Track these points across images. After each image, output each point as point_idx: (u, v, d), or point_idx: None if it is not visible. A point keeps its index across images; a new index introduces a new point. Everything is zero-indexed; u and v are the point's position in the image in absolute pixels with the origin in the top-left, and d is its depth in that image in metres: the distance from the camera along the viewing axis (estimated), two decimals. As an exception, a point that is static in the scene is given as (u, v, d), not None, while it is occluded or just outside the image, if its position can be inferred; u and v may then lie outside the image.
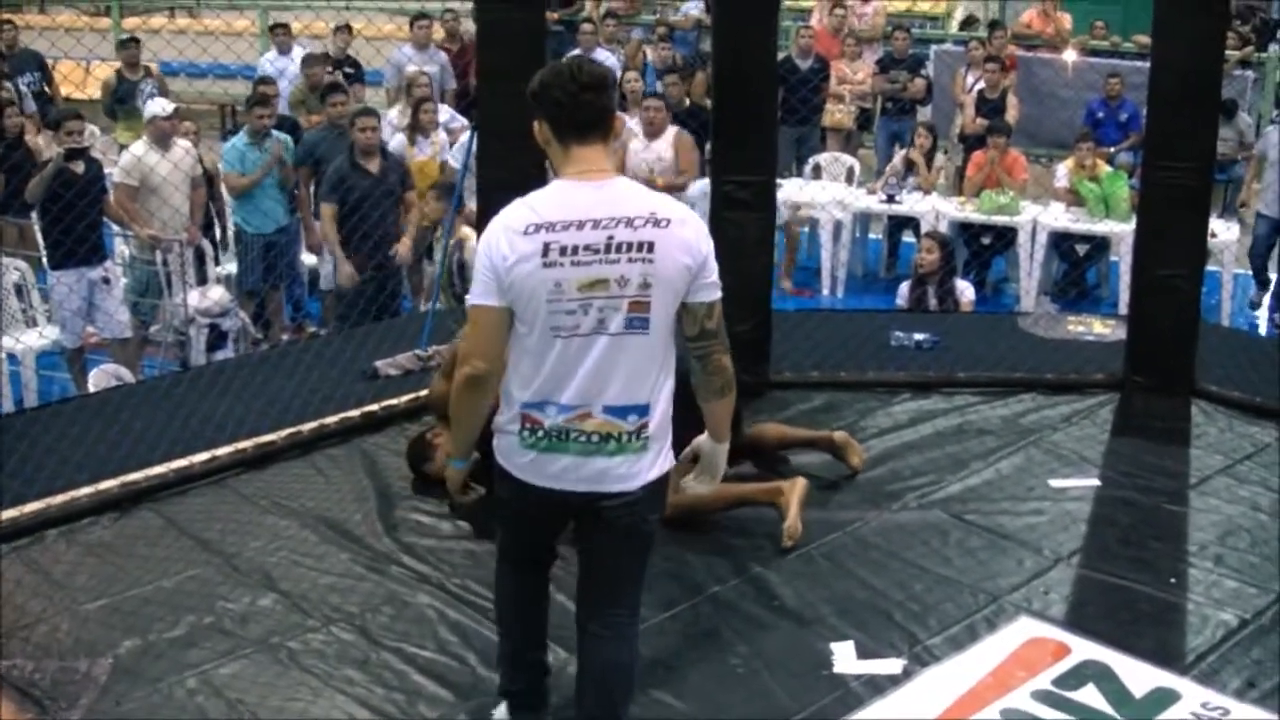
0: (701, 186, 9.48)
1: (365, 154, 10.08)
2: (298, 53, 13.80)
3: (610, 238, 3.98)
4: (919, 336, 8.22)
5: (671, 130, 10.63)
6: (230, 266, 11.01)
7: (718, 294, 4.21)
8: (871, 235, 13.62)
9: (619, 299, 4.01)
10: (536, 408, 4.07)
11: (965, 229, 12.30)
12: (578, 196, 4.04)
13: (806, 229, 13.29)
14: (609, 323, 4.02)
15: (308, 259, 11.26)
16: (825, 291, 12.60)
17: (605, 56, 14.14)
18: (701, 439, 4.54)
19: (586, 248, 3.97)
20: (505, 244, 4.00)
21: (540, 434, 4.08)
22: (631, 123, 10.65)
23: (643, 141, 10.39)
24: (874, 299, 12.01)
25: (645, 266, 4.00)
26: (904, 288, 10.41)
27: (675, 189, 10.33)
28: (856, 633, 5.20)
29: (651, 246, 4.00)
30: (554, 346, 4.02)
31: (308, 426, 6.90)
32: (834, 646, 5.11)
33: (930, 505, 6.26)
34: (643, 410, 4.12)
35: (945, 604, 5.42)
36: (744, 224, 7.38)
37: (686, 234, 4.08)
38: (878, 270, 13.36)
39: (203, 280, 10.45)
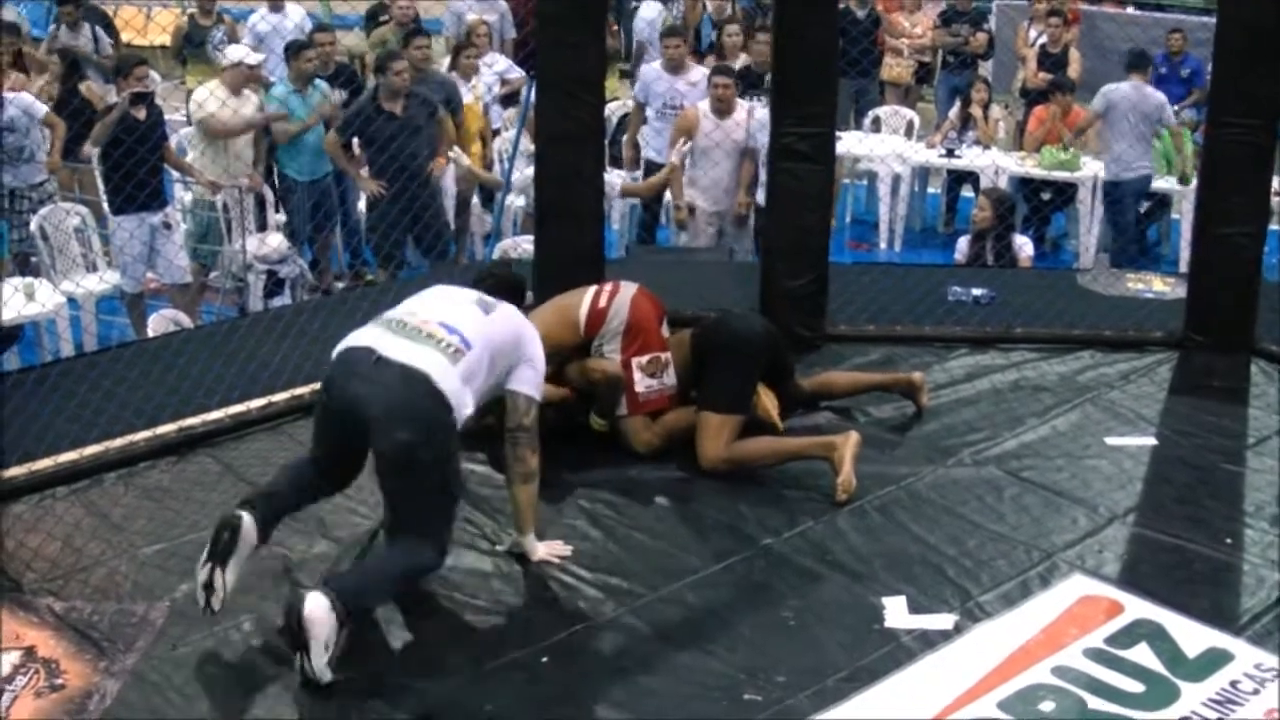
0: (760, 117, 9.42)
1: (389, 97, 10.04)
2: (292, 9, 13.66)
3: None
4: (976, 292, 8.18)
5: (744, 107, 10.33)
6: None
7: None
8: (930, 189, 13.57)
9: None
10: None
11: (1025, 184, 12.23)
12: None
13: (865, 182, 13.24)
14: None
15: (365, 206, 11.29)
16: (883, 245, 12.58)
17: (655, 13, 14.06)
18: None
19: None
20: None
21: None
22: (702, 104, 10.37)
23: (713, 120, 10.11)
24: (932, 254, 11.97)
25: None
26: (962, 242, 10.36)
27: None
28: (908, 587, 5.20)
29: None
30: None
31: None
32: (886, 601, 5.11)
33: (985, 461, 6.24)
34: None
35: (998, 560, 5.41)
36: (802, 176, 7.35)
37: None
38: (936, 225, 13.31)
39: (263, 227, 10.51)
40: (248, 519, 4.85)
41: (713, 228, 10.15)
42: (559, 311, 6.28)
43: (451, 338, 4.90)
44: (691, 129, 9.95)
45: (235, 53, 10.61)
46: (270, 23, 13.10)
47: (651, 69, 11.09)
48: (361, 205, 11.20)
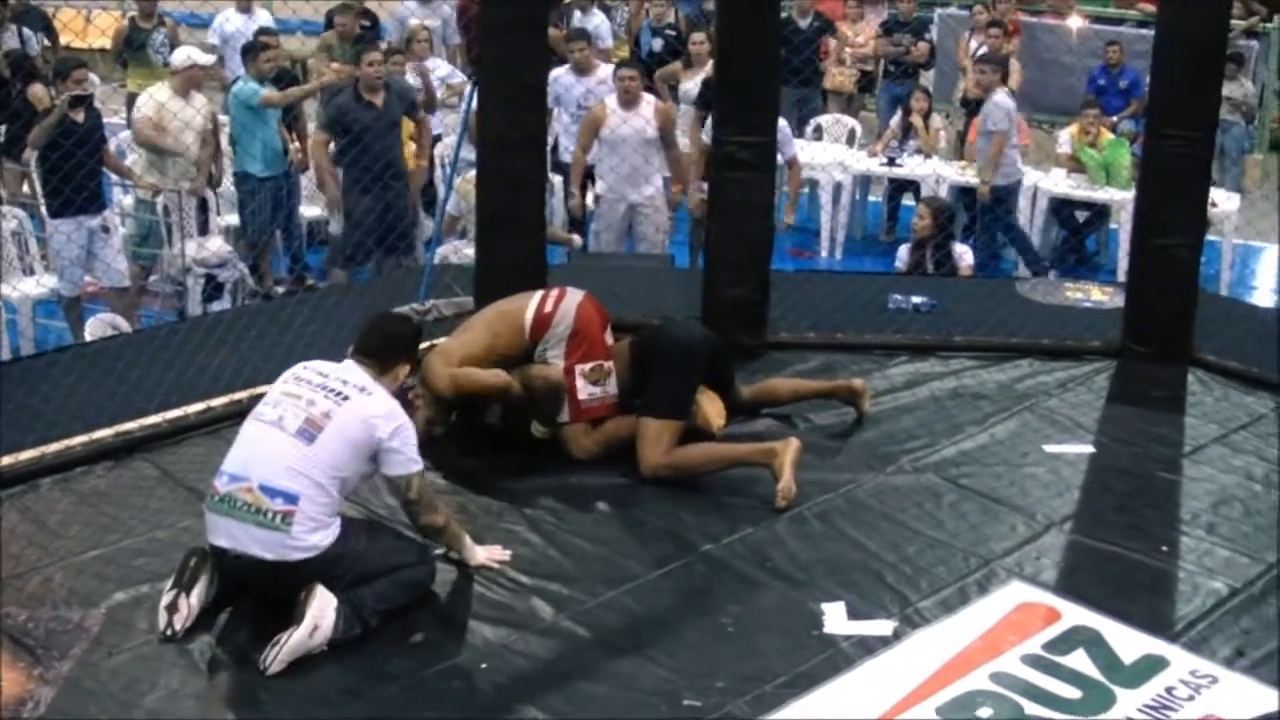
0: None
1: (370, 89, 10.13)
2: (259, 12, 13.59)
3: None
4: (917, 300, 8.21)
5: (649, 100, 10.50)
6: (231, 218, 10.98)
7: None
8: (872, 198, 13.61)
9: None
10: None
11: (966, 193, 12.27)
12: None
13: (806, 190, 13.27)
14: None
15: (307, 211, 11.25)
16: (824, 253, 12.59)
17: (599, 20, 14.08)
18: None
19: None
20: None
21: None
22: (609, 98, 10.53)
23: (621, 114, 10.30)
24: (873, 262, 11.99)
25: None
26: (903, 251, 10.41)
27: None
28: (847, 594, 5.21)
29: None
30: None
31: (304, 379, 6.88)
32: (825, 607, 5.13)
33: (924, 468, 6.26)
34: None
35: (937, 567, 5.43)
36: (745, 184, 7.36)
37: None
38: (877, 233, 13.35)
39: (204, 230, 10.43)
40: (211, 563, 4.99)
41: (621, 217, 10.40)
42: (502, 317, 6.27)
43: (273, 503, 4.83)
44: (599, 123, 10.21)
45: (184, 54, 10.52)
46: (235, 24, 13.09)
47: (560, 73, 11.14)
48: (316, 210, 11.19)
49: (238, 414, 6.46)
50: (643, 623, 5.04)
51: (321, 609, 4.75)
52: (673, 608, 5.15)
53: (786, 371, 7.19)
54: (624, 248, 10.54)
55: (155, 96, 10.15)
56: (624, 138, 10.13)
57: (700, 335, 6.43)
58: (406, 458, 5.07)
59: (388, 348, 5.29)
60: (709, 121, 10.17)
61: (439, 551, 5.33)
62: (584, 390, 6.15)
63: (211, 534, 4.96)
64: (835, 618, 5.07)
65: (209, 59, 10.54)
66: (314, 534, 4.85)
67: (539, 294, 6.32)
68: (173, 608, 4.86)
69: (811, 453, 6.14)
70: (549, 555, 5.47)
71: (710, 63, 11.84)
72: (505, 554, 5.41)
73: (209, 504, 4.99)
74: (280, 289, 10.57)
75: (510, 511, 5.77)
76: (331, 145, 10.35)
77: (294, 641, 4.67)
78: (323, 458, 4.90)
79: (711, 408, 6.32)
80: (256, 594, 4.98)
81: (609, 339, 6.32)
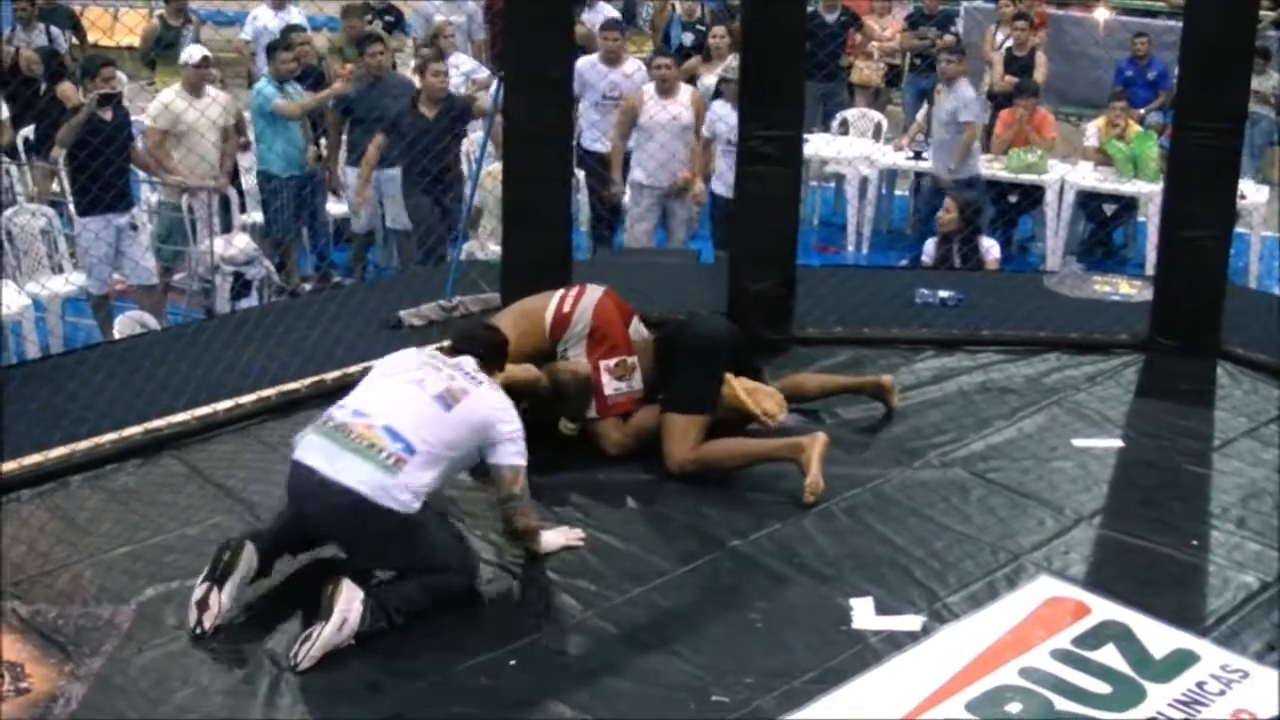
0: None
1: (429, 100, 10.20)
2: (291, 10, 13.66)
3: None
4: (944, 294, 8.19)
5: (686, 89, 10.61)
6: (256, 215, 11.01)
7: None
8: (898, 192, 13.59)
9: None
10: None
11: (992, 187, 12.25)
12: None
13: (832, 185, 13.27)
14: None
15: (333, 208, 11.28)
16: (850, 248, 12.60)
17: (610, 12, 14.10)
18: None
19: None
20: None
21: None
22: (646, 87, 10.64)
23: (658, 101, 10.39)
24: (899, 256, 11.98)
25: None
26: (929, 245, 10.38)
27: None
28: (876, 589, 5.20)
29: None
30: None
31: (331, 375, 6.88)
32: (853, 602, 5.11)
33: (952, 463, 6.25)
34: None
35: (965, 562, 5.42)
36: (769, 179, 7.36)
37: None
38: (903, 227, 13.33)
39: (228, 228, 10.47)
40: (250, 545, 4.96)
41: (656, 204, 10.54)
42: (525, 315, 6.27)
43: (394, 446, 4.93)
44: (635, 111, 10.40)
45: (186, 54, 10.58)
46: (265, 20, 13.14)
47: (587, 62, 11.19)
48: (342, 208, 11.23)
49: (266, 411, 6.56)
50: (670, 619, 5.04)
51: (349, 603, 4.75)
52: (700, 604, 5.14)
53: (813, 366, 7.18)
54: (656, 236, 10.61)
55: (162, 97, 10.20)
56: (661, 125, 10.26)
57: (725, 330, 6.42)
58: (519, 449, 5.20)
59: (490, 352, 5.56)
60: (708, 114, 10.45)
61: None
62: (609, 385, 6.15)
63: (306, 453, 5.00)
64: (863, 613, 5.06)
65: (195, 57, 10.49)
66: (407, 493, 4.90)
67: (559, 293, 6.32)
68: (203, 604, 4.86)
69: (839, 448, 6.14)
70: (576, 551, 5.47)
71: (730, 56, 11.95)
72: (578, 533, 5.55)
73: (315, 428, 5.08)
74: (307, 286, 10.60)
75: (536, 508, 5.73)
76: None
77: (324, 637, 4.68)
78: (453, 429, 5.05)
79: (770, 401, 6.29)
80: (310, 534, 5.09)
81: (633, 333, 6.32)
